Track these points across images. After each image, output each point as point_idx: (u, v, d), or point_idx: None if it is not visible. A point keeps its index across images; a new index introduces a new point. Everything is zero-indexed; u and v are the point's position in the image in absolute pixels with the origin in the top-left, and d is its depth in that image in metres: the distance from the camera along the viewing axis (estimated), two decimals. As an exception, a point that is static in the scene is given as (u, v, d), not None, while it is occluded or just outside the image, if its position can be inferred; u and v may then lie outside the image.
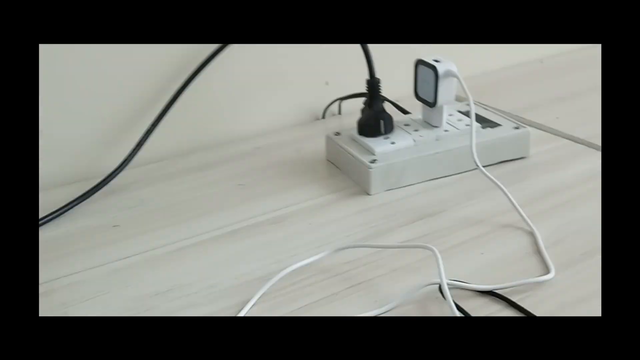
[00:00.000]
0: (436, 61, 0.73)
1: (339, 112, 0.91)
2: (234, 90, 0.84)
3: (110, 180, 0.72)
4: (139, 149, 0.74)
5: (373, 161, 0.70)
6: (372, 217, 0.66)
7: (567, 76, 0.99)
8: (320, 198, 0.70)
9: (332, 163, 0.77)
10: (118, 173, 0.72)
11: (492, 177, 0.66)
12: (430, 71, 0.72)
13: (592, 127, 0.81)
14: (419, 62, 0.74)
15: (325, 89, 0.90)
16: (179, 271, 0.59)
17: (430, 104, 0.73)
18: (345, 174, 0.74)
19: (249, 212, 0.68)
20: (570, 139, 0.80)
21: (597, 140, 0.78)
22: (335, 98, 0.90)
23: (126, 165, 0.73)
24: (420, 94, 0.75)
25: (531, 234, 0.62)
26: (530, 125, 0.83)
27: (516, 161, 0.75)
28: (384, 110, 0.74)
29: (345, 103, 0.91)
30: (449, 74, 0.72)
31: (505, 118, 0.78)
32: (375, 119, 0.74)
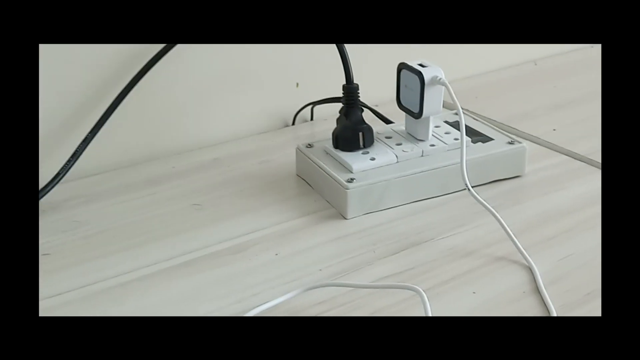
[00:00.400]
0: (422, 66, 0.64)
1: (312, 118, 0.82)
2: (188, 93, 0.74)
3: (40, 198, 0.62)
4: (75, 160, 0.64)
5: (350, 180, 0.61)
6: (348, 247, 0.57)
7: (563, 80, 0.90)
8: (289, 222, 0.61)
9: (302, 179, 0.68)
10: (49, 189, 0.63)
11: (485, 203, 0.57)
12: (415, 77, 0.63)
13: (592, 141, 0.73)
14: (402, 67, 0.65)
15: (296, 92, 0.81)
16: (120, 311, 0.50)
17: (415, 114, 0.65)
18: (318, 192, 0.65)
19: (205, 238, 0.58)
20: (568, 155, 0.72)
21: (598, 157, 0.70)
22: (307, 102, 0.81)
23: (59, 179, 0.63)
24: (404, 103, 0.66)
25: (528, 269, 0.54)
26: (524, 138, 0.75)
27: (510, 180, 0.67)
28: (362, 121, 0.65)
29: (318, 107, 0.81)
30: (437, 81, 0.63)
31: (498, 131, 0.69)
32: (352, 131, 0.65)
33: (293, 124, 0.81)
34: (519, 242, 0.55)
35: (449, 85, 0.62)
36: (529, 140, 0.75)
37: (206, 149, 0.75)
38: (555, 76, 0.92)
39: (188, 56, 0.72)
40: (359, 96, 0.66)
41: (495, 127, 0.70)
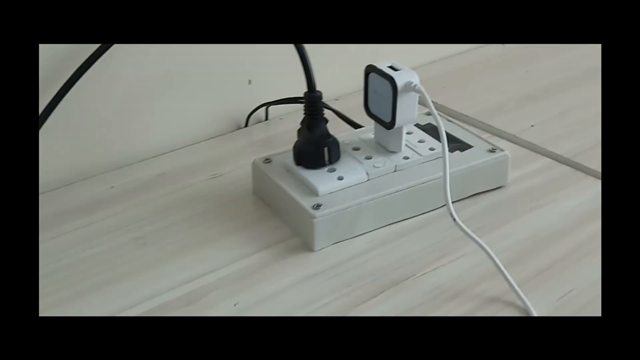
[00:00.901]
0: (393, 69, 0.56)
1: (266, 118, 0.74)
2: (125, 99, 0.65)
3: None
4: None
5: (317, 207, 0.53)
6: (319, 291, 0.50)
7: (534, 63, 0.83)
8: (248, 258, 0.53)
9: (260, 198, 0.60)
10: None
11: (474, 236, 0.50)
12: (386, 83, 0.56)
13: (574, 140, 0.67)
14: (371, 70, 0.57)
15: (248, 90, 0.73)
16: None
17: (387, 124, 0.57)
18: (278, 216, 0.57)
19: (150, 286, 0.50)
20: (551, 157, 0.65)
21: (583, 159, 0.64)
22: (261, 102, 0.72)
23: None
24: (373, 110, 0.58)
25: (525, 312, 0.47)
26: (501, 137, 0.68)
27: (492, 193, 0.60)
28: (328, 134, 0.57)
29: (274, 107, 0.73)
30: (411, 87, 0.55)
31: (476, 136, 0.62)
32: (316, 146, 0.57)
33: (246, 125, 0.73)
34: (510, 276, 0.48)
35: (425, 93, 0.54)
36: (507, 139, 0.68)
37: (150, 161, 0.66)
38: (525, 59, 0.84)
39: (122, 58, 0.63)
40: (322, 105, 0.57)
41: (472, 131, 0.63)
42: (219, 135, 0.71)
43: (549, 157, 0.65)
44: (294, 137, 0.67)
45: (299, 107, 0.74)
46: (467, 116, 0.72)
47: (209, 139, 0.70)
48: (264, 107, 0.73)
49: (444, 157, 0.52)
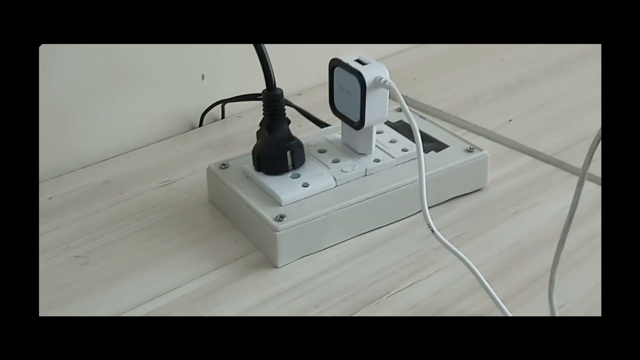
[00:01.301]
0: (360, 63, 0.51)
1: (223, 117, 0.68)
2: (64, 99, 0.59)
3: None
4: None
5: (280, 219, 0.48)
6: (282, 313, 0.44)
7: (508, 51, 0.78)
8: (205, 277, 0.47)
9: (217, 207, 0.54)
10: None
11: (456, 250, 0.45)
12: (354, 79, 0.50)
13: (554, 136, 0.62)
14: (336, 64, 0.52)
15: (202, 86, 0.67)
16: None
17: (355, 124, 0.52)
18: (237, 227, 0.52)
19: (93, 313, 0.44)
20: (531, 155, 0.60)
21: (565, 157, 0.59)
22: (216, 100, 0.66)
23: None
24: (340, 109, 0.53)
25: (514, 327, 0.42)
26: (477, 134, 0.64)
27: (471, 196, 0.55)
28: (290, 137, 0.52)
29: (231, 105, 0.68)
30: (380, 83, 0.50)
31: (452, 134, 0.57)
32: (278, 150, 0.51)
33: (200, 125, 0.67)
34: (494, 291, 0.44)
35: (396, 88, 0.49)
36: (484, 136, 0.63)
37: (93, 167, 0.60)
38: (500, 47, 0.79)
39: (57, 52, 0.56)
40: (284, 104, 0.52)
41: (447, 129, 0.58)
42: (171, 137, 0.65)
43: (530, 155, 0.60)
44: (253, 138, 0.62)
45: (259, 104, 0.68)
46: (440, 111, 0.68)
47: (159, 141, 0.64)
48: (219, 105, 0.67)
49: (419, 161, 0.47)
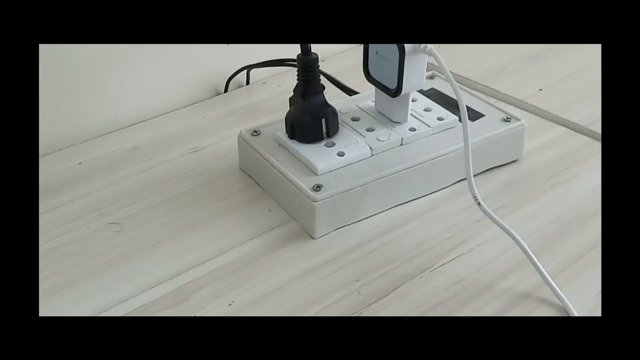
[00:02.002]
0: (399, 29, 0.49)
1: (247, 82, 0.67)
2: (93, 63, 0.57)
3: None
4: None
5: (317, 188, 0.47)
6: (325, 287, 0.44)
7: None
8: (240, 248, 0.46)
9: (248, 176, 0.53)
10: None
11: (502, 223, 0.44)
12: (392, 45, 0.49)
13: (588, 106, 0.61)
14: (374, 30, 0.50)
15: (227, 52, 0.65)
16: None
17: (391, 92, 0.50)
18: (271, 196, 0.51)
19: (130, 282, 0.44)
20: (565, 126, 0.59)
21: (600, 127, 0.58)
22: (242, 65, 0.65)
23: None
24: (374, 75, 0.52)
25: (563, 311, 0.42)
26: (507, 103, 0.63)
27: (506, 167, 0.54)
28: (325, 104, 0.51)
29: (256, 70, 0.66)
30: (421, 49, 0.49)
31: (488, 103, 0.56)
32: (313, 118, 0.50)
33: (226, 91, 0.66)
34: (550, 279, 0.43)
35: (438, 54, 0.48)
36: (515, 105, 0.62)
37: (121, 133, 0.59)
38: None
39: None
40: (319, 70, 0.51)
41: (481, 98, 0.57)
42: (196, 103, 0.64)
43: (564, 126, 0.59)
44: (279, 105, 0.61)
45: (283, 70, 0.67)
46: (467, 79, 0.66)
47: (185, 107, 0.63)
48: (244, 71, 0.66)
49: (465, 131, 0.46)
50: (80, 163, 0.55)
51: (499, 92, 0.64)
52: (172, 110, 0.62)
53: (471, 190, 0.44)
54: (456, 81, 0.46)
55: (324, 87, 0.51)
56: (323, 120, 0.50)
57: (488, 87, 0.65)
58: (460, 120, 0.53)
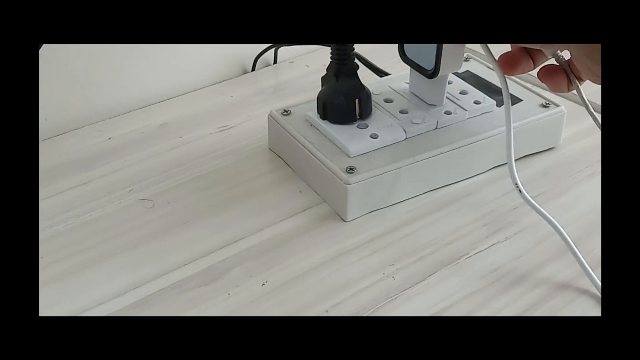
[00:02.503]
0: (438, 9, 0.48)
1: (275, 61, 0.66)
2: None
3: None
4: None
5: (350, 171, 0.46)
6: (358, 270, 0.43)
7: None
8: (271, 228, 0.46)
9: (278, 156, 0.52)
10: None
11: (543, 211, 0.43)
12: (432, 26, 0.48)
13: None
14: (412, 10, 0.49)
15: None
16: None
17: (428, 72, 0.49)
18: (301, 177, 0.50)
19: (162, 260, 0.43)
20: (600, 112, 0.58)
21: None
22: (269, 44, 0.64)
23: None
24: (410, 56, 0.51)
25: (599, 297, 0.41)
26: (542, 87, 0.61)
27: (543, 155, 0.53)
28: (360, 85, 0.50)
29: (284, 49, 0.65)
30: (461, 32, 0.47)
31: (525, 88, 0.55)
32: (347, 98, 0.49)
33: (253, 69, 0.65)
34: (583, 257, 0.42)
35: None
36: (543, 88, 0.61)
37: (150, 109, 0.58)
38: None
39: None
40: (353, 50, 0.49)
41: (519, 82, 0.56)
42: (224, 81, 0.63)
43: (599, 113, 0.58)
44: (307, 85, 0.60)
45: (311, 49, 0.66)
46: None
47: (213, 84, 0.62)
48: (272, 49, 0.65)
49: (507, 116, 0.45)
50: (110, 138, 0.54)
51: (532, 75, 0.63)
52: (200, 88, 0.61)
53: (512, 176, 0.43)
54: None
55: (357, 67, 0.50)
56: (356, 101, 0.49)
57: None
58: (497, 105, 0.52)
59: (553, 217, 0.43)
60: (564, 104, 0.57)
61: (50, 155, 0.52)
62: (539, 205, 0.44)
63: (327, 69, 0.50)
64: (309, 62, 0.66)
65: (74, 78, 0.55)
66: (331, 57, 0.50)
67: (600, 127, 0.41)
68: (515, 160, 0.51)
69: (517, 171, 0.50)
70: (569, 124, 0.55)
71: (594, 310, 0.40)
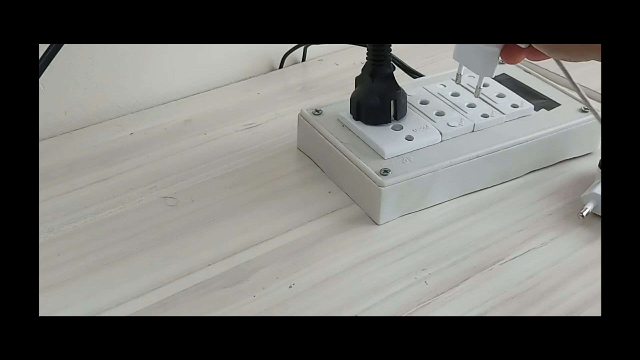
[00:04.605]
0: None
1: (303, 59, 0.64)
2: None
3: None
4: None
5: (384, 173, 0.44)
6: (389, 274, 0.41)
7: None
8: (299, 229, 0.44)
9: (307, 156, 0.51)
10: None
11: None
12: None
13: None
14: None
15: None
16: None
17: (465, 74, 0.47)
18: (330, 178, 0.49)
19: (185, 259, 0.42)
20: (640, 121, 0.56)
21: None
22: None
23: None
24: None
25: None
26: (569, 88, 0.59)
27: (580, 160, 0.51)
28: (396, 86, 0.48)
29: (313, 47, 0.64)
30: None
31: (563, 92, 0.53)
32: (382, 99, 0.47)
33: (281, 66, 0.63)
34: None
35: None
36: (588, 96, 0.59)
37: (173, 105, 0.57)
38: None
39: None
40: (390, 51, 0.48)
41: (556, 86, 0.54)
42: (250, 77, 0.62)
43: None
44: (336, 84, 0.59)
45: (340, 48, 0.65)
46: (537, 65, 0.63)
47: (239, 81, 0.61)
48: (301, 47, 0.63)
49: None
50: (132, 134, 0.53)
51: (562, 77, 0.61)
52: (225, 85, 0.60)
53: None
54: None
55: (394, 68, 0.48)
56: (392, 102, 0.48)
57: (557, 74, 0.62)
58: (535, 109, 0.50)
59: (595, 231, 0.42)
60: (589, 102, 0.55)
61: (69, 149, 0.50)
62: (570, 212, 0.42)
63: (362, 70, 0.49)
64: (338, 60, 0.64)
65: (96, 71, 0.53)
66: (367, 57, 0.48)
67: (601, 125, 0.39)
68: (552, 164, 0.50)
69: (553, 176, 0.49)
70: (607, 131, 0.53)
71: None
